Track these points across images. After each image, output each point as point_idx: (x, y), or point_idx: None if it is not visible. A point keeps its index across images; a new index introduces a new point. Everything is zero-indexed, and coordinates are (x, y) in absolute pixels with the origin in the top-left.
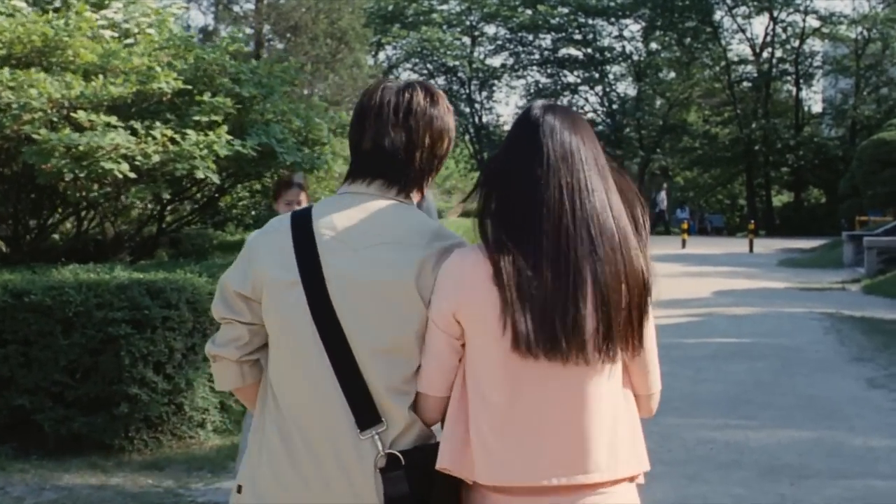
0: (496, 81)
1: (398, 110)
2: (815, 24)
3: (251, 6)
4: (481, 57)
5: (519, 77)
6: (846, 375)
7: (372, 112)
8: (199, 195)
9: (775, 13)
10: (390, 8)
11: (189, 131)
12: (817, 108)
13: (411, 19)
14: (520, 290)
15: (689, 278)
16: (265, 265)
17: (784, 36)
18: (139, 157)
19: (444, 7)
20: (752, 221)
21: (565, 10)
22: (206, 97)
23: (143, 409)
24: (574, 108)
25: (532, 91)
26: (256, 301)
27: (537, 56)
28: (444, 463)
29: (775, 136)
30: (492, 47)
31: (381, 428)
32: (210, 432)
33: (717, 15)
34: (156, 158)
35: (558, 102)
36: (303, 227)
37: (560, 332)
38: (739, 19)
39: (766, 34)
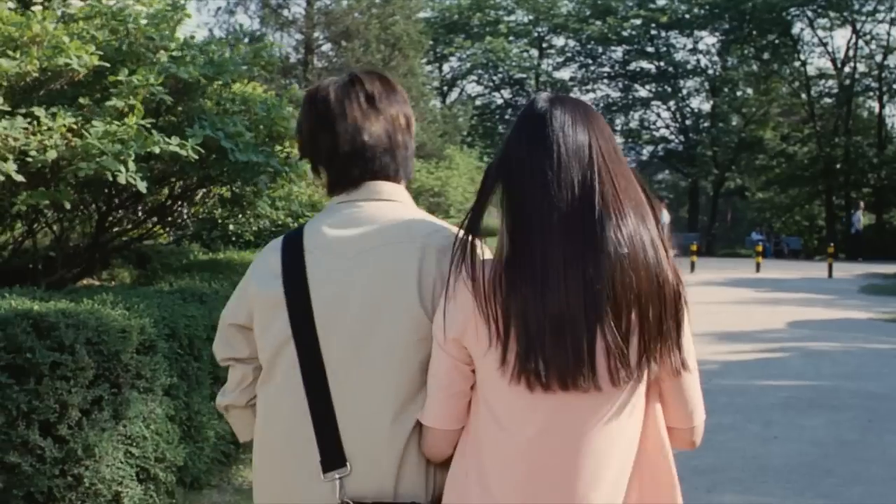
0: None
1: (363, 101)
2: None
3: (301, 10)
4: (549, 69)
5: (588, 91)
6: None
7: (335, 113)
8: (149, 203)
9: (858, 25)
10: (455, 18)
11: (96, 122)
12: None
13: (476, 30)
14: (525, 314)
15: (760, 306)
16: (256, 286)
17: (867, 50)
18: (33, 153)
19: (511, 18)
20: (832, 244)
21: (637, 22)
22: (123, 76)
23: (24, 482)
24: (645, 124)
25: (601, 105)
26: (251, 329)
27: (608, 69)
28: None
29: (857, 154)
30: (560, 59)
31: (344, 472)
32: None
33: (797, 28)
34: (52, 155)
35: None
36: (292, 247)
37: (572, 359)
38: (820, 32)
39: (848, 48)
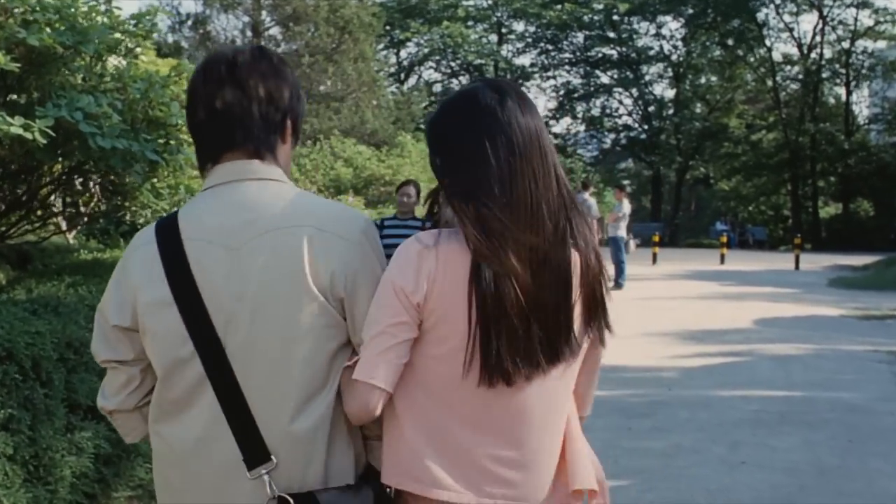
0: (525, 82)
1: (223, 70)
2: (869, 21)
3: None
4: (508, 56)
5: (549, 77)
6: None
7: (196, 82)
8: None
9: (825, 10)
10: (412, 2)
11: None
12: (867, 112)
13: (434, 14)
14: (501, 301)
15: (726, 302)
16: (138, 285)
17: (834, 35)
18: None
19: (470, 2)
20: (798, 236)
21: (599, 6)
22: None
23: None
24: (608, 111)
25: (562, 92)
26: (137, 331)
27: (569, 55)
28: (392, 479)
29: (826, 140)
30: (520, 45)
31: (270, 466)
32: None
33: (762, 13)
34: None
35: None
36: (168, 236)
37: (542, 350)
38: (786, 17)
39: (815, 33)
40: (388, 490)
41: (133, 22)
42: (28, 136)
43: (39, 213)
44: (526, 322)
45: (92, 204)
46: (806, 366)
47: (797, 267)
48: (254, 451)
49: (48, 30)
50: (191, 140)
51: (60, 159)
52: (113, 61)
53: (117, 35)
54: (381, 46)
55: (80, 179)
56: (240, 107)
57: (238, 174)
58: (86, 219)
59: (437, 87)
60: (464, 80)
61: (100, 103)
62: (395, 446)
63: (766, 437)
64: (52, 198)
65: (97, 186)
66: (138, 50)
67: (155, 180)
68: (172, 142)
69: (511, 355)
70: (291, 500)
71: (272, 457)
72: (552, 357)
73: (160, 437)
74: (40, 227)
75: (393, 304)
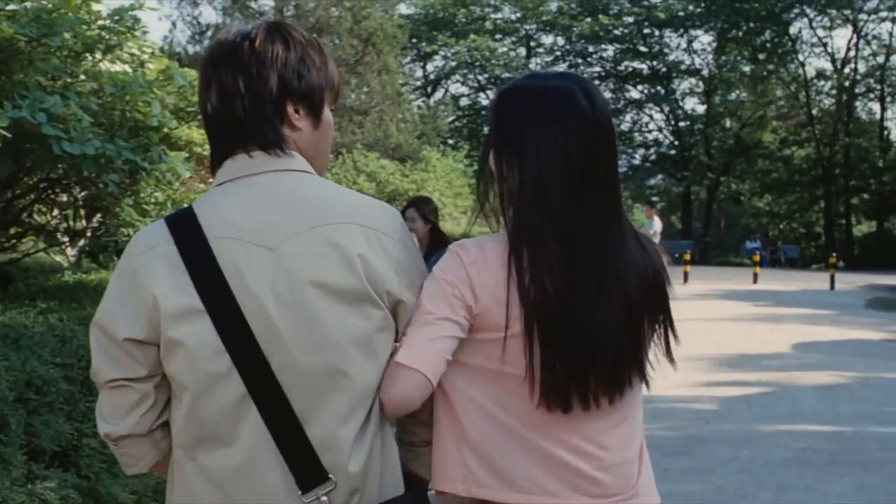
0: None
1: (207, 69)
2: None
3: (269, 2)
4: (537, 69)
5: None
6: None
7: (201, 81)
8: None
9: (860, 25)
10: (439, 14)
11: None
12: None
13: (461, 27)
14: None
15: (761, 324)
16: (158, 291)
17: (869, 50)
18: None
19: (498, 15)
20: (834, 254)
21: (630, 20)
22: None
23: None
24: (638, 126)
25: None
26: (155, 344)
27: (598, 69)
28: (454, 485)
29: (859, 157)
30: (549, 59)
31: (328, 487)
32: None
33: (796, 27)
34: None
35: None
36: (189, 235)
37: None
38: (820, 31)
39: (849, 48)
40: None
41: (115, 18)
42: None
43: (13, 230)
44: (586, 343)
45: (72, 220)
46: (852, 396)
47: (832, 287)
48: (309, 472)
49: (7, 21)
50: (173, 146)
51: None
52: (104, 64)
53: (93, 31)
54: (407, 59)
55: (58, 191)
56: (225, 106)
57: (253, 168)
58: (74, 236)
59: (464, 101)
60: (491, 94)
61: (68, 104)
62: (456, 452)
63: (815, 480)
64: (26, 214)
65: (79, 200)
66: (134, 51)
67: (139, 194)
68: (153, 148)
69: (568, 381)
70: None
71: (330, 475)
72: (613, 390)
73: (195, 463)
74: (14, 246)
75: (445, 298)
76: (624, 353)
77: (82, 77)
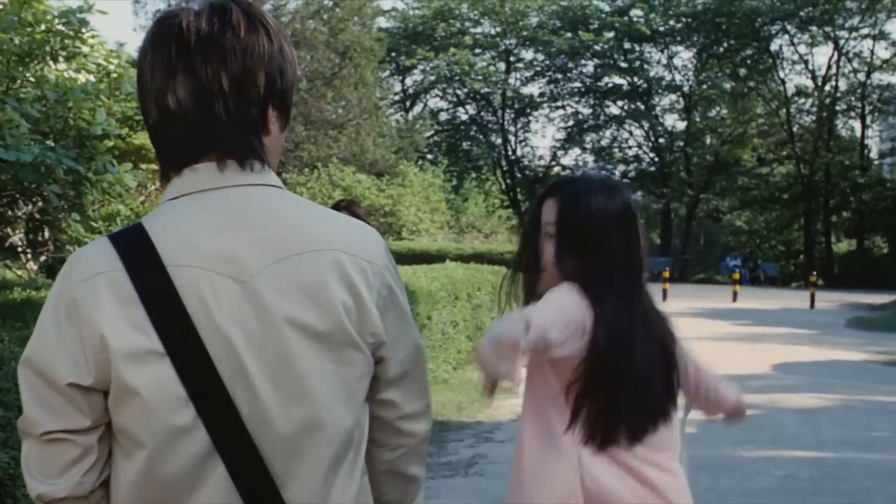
0: (532, 111)
1: (173, 54)
2: (885, 54)
3: None
4: (517, 84)
5: (558, 107)
6: None
7: (145, 68)
8: None
9: (841, 42)
10: (419, 28)
11: None
12: (883, 146)
13: (440, 41)
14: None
15: (741, 344)
16: (106, 329)
17: (850, 67)
18: None
19: (478, 30)
20: (814, 273)
21: (609, 35)
22: None
23: None
24: (617, 142)
25: (571, 123)
26: (101, 390)
27: (578, 84)
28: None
29: (839, 175)
30: (528, 74)
31: None
32: None
33: (776, 44)
34: None
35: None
36: (142, 261)
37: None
38: (801, 48)
39: (830, 65)
40: None
41: (62, 20)
42: None
43: None
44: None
45: (32, 234)
46: (834, 420)
47: (812, 305)
48: None
49: None
50: (124, 156)
51: None
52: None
53: (39, 33)
54: (385, 73)
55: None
56: (200, 105)
57: (221, 181)
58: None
59: (443, 116)
60: (470, 108)
61: (4, 108)
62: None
63: None
64: None
65: (23, 214)
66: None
67: (87, 208)
68: (98, 157)
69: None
70: None
71: None
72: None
73: None
74: None
75: (565, 317)
76: None
77: (27, 81)
